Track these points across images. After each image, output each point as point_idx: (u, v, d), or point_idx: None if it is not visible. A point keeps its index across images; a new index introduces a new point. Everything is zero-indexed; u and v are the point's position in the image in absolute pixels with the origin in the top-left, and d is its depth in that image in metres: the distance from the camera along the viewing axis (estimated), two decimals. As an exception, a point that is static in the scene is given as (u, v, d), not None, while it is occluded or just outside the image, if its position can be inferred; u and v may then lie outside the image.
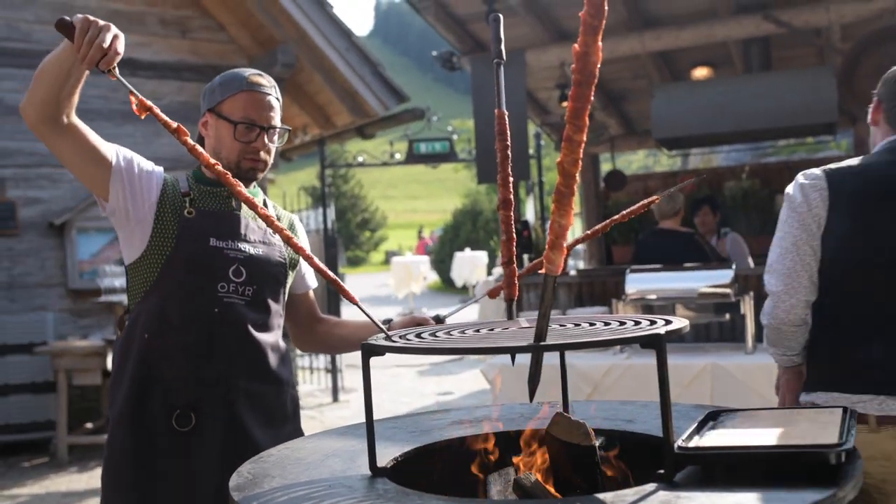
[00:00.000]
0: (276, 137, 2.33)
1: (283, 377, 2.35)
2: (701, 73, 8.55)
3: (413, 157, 10.35)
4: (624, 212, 1.82)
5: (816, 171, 2.42)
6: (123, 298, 7.15)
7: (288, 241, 1.69)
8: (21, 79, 7.95)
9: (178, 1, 8.64)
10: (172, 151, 8.64)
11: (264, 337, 2.29)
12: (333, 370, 9.53)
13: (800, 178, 2.41)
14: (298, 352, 10.00)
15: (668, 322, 1.44)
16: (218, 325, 2.20)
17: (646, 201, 1.80)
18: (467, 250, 23.97)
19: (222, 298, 2.22)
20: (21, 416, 7.34)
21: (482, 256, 22.94)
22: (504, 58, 1.95)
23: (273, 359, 2.31)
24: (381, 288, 24.90)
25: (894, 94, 2.46)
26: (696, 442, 1.36)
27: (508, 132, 1.84)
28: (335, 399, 9.41)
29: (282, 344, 2.37)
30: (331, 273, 1.64)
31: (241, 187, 1.75)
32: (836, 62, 7.20)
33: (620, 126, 10.79)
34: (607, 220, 1.83)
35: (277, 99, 2.35)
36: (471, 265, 22.10)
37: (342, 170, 37.82)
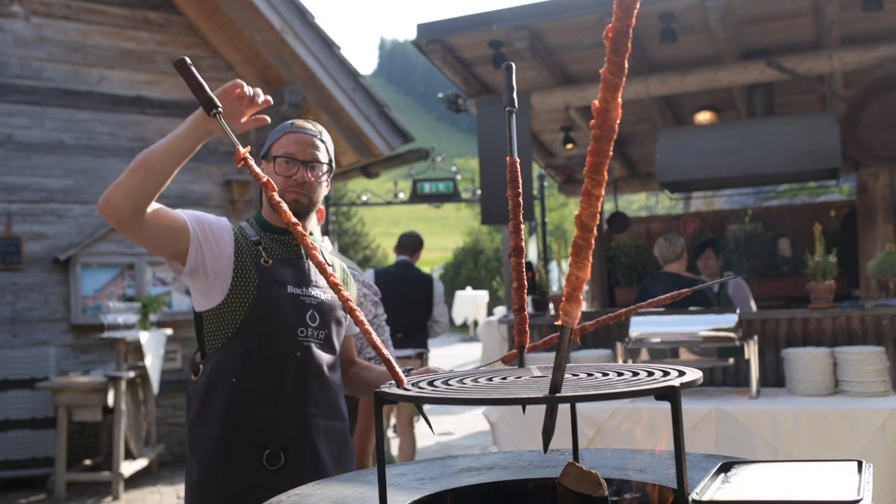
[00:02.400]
0: (321, 175, 2.41)
1: (346, 415, 2.47)
2: (704, 117, 8.61)
3: (417, 197, 10.40)
4: (653, 300, 1.82)
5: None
6: (126, 334, 7.14)
7: (338, 293, 1.69)
8: (31, 115, 8.04)
9: (187, 40, 8.75)
10: (177, 188, 8.69)
11: (334, 377, 2.42)
12: (334, 409, 9.48)
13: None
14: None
15: (681, 373, 1.44)
16: (300, 368, 2.31)
17: (675, 294, 1.80)
18: (468, 289, 23.96)
19: (302, 343, 2.33)
20: (19, 453, 7.29)
21: (483, 295, 22.94)
22: (516, 106, 1.97)
23: (341, 398, 2.44)
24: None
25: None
26: (711, 495, 1.35)
27: (521, 180, 1.86)
28: (335, 438, 9.35)
29: (339, 385, 2.48)
30: (368, 327, 1.64)
31: (308, 237, 1.76)
32: (838, 108, 7.26)
33: (624, 168, 10.85)
34: (633, 306, 1.84)
35: (322, 140, 2.45)
36: (472, 304, 22.10)
37: (345, 207, 37.95)
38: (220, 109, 2.01)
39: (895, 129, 6.54)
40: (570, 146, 9.55)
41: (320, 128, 2.47)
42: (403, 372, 2.00)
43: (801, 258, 6.61)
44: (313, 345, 2.34)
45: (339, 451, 2.41)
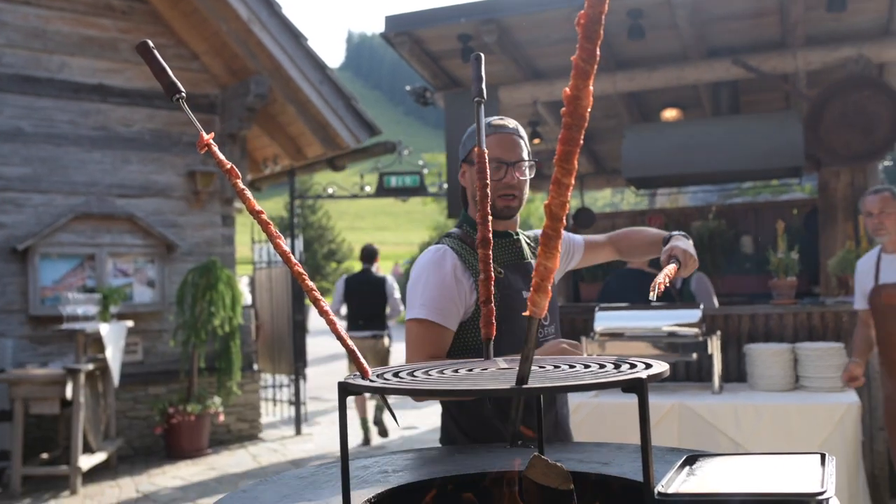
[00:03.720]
0: (525, 171, 2.43)
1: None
2: (670, 114, 8.66)
3: (383, 191, 10.36)
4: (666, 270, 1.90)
5: (342, 277, 8.40)
6: (86, 326, 7.02)
7: (302, 283, 1.65)
8: (-11, 101, 7.87)
9: (151, 29, 8.62)
10: (140, 178, 8.57)
11: None
12: (297, 403, 9.42)
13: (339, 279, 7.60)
14: (262, 383, 9.87)
15: (648, 366, 1.43)
16: None
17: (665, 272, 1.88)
18: (434, 284, 23.88)
19: (540, 342, 2.36)
20: (-25, 446, 7.14)
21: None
22: (485, 97, 1.96)
23: None
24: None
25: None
26: (676, 487, 1.35)
27: (489, 170, 1.84)
28: (298, 432, 9.29)
29: None
30: (333, 317, 1.61)
31: (273, 226, 1.71)
32: (802, 107, 7.34)
33: (590, 164, 10.88)
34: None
35: (521, 136, 2.46)
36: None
37: (310, 200, 37.69)
38: (182, 94, 1.96)
39: (857, 128, 6.63)
40: (537, 141, 9.56)
41: (515, 122, 2.48)
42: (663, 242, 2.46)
43: (764, 255, 6.67)
44: (548, 341, 2.39)
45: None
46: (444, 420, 2.50)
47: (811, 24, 6.74)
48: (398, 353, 9.85)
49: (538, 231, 2.64)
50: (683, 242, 2.42)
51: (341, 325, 1.65)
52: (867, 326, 4.62)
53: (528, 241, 2.58)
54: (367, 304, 8.59)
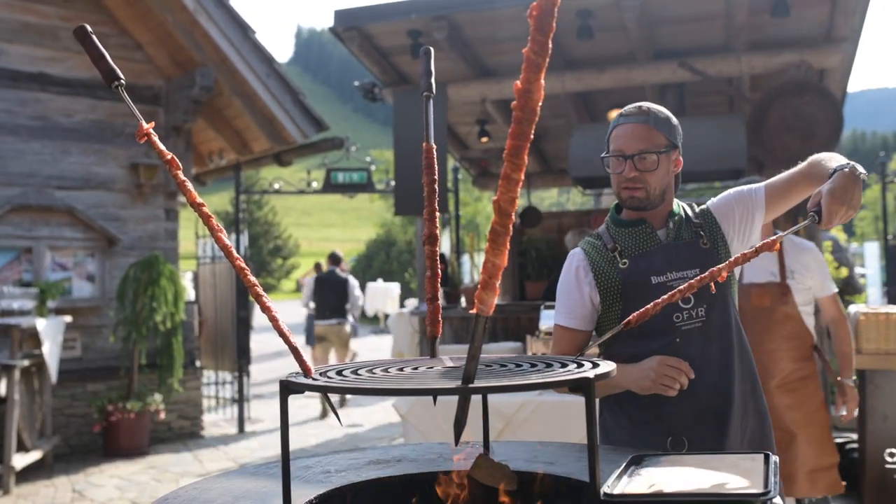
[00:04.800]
0: (653, 162, 2.32)
1: (749, 387, 2.42)
2: (617, 115, 8.74)
3: (330, 187, 10.27)
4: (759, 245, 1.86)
5: (312, 276, 11.21)
6: (21, 321, 6.83)
7: (244, 277, 1.60)
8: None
9: (94, 17, 8.42)
10: (80, 170, 8.37)
11: (726, 354, 2.35)
12: (240, 401, 9.29)
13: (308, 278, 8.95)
14: (204, 380, 9.73)
15: (595, 365, 1.42)
16: (683, 355, 2.27)
17: (774, 238, 1.86)
18: (380, 281, 23.91)
19: (680, 327, 2.31)
20: None
21: (395, 288, 22.90)
22: (434, 91, 1.94)
23: (738, 375, 2.37)
24: (299, 317, 24.44)
25: None
26: (622, 488, 1.34)
27: (437, 166, 1.82)
28: (241, 430, 9.16)
29: (741, 357, 2.40)
30: (275, 314, 1.57)
31: (214, 219, 1.65)
32: (745, 110, 7.47)
33: (537, 164, 10.94)
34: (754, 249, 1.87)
35: (649, 122, 2.34)
36: (383, 296, 22.06)
37: (256, 196, 37.31)
38: (122, 81, 1.89)
39: (797, 132, 6.76)
40: (485, 139, 9.57)
41: (648, 107, 2.37)
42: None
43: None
44: (693, 326, 2.31)
45: (762, 442, 2.39)
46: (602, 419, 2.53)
47: (755, 29, 6.85)
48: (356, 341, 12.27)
49: (710, 201, 2.52)
50: (838, 183, 2.06)
51: (284, 323, 1.60)
52: None
53: (689, 215, 2.45)
54: (332, 298, 10.76)
